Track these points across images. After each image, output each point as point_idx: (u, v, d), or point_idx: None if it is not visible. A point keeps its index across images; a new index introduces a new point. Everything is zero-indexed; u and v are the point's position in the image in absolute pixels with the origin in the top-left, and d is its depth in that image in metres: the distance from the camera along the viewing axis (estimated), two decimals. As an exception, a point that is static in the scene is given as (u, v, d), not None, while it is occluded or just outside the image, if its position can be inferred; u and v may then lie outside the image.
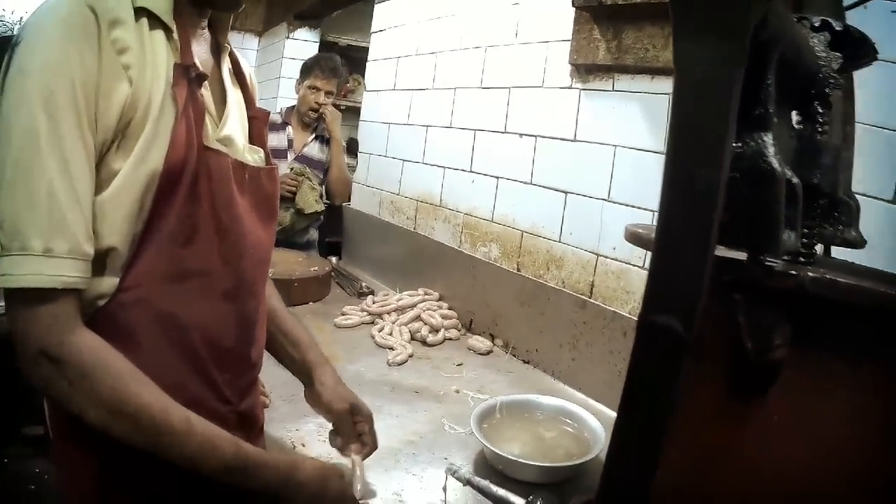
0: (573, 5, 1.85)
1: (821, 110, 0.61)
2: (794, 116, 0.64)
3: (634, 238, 0.59)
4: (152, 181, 0.88)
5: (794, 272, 0.43)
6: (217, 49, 1.09)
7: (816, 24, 0.63)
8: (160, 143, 0.88)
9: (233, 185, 0.99)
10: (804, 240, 0.58)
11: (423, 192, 2.66)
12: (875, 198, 1.25)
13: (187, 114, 0.91)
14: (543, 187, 2.05)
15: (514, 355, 2.08)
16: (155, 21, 0.91)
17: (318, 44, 4.84)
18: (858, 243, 0.79)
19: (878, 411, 0.51)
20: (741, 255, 0.48)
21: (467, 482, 1.11)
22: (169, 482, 0.98)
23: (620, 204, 1.77)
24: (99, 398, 0.83)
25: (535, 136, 2.10)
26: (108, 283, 0.89)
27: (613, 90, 1.83)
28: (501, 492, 1.03)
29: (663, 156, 0.45)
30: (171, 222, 0.90)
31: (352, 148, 3.66)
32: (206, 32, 1.06)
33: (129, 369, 0.86)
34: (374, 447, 1.24)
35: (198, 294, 0.97)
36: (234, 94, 1.10)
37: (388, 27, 3.04)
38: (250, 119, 1.14)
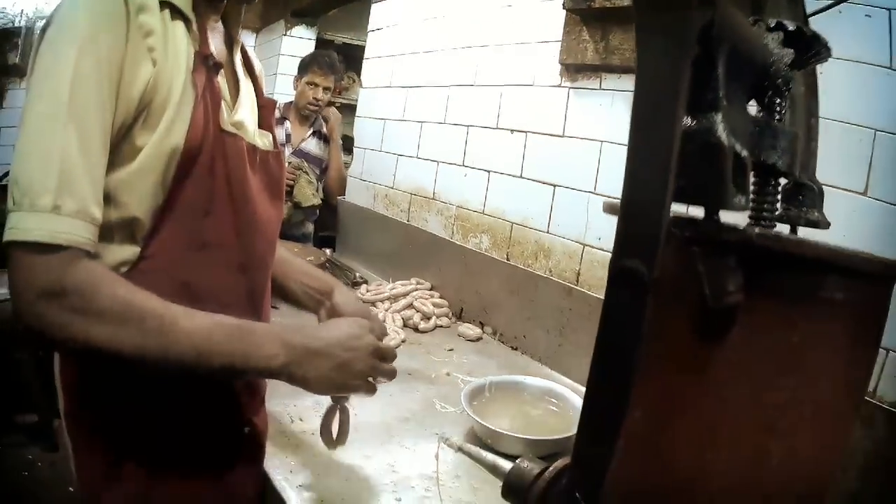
0: (564, 7, 1.92)
1: (776, 100, 0.70)
2: (755, 107, 0.72)
3: (611, 208, 0.67)
4: (173, 158, 0.94)
5: (741, 227, 0.51)
6: (230, 41, 1.16)
7: (771, 25, 0.71)
8: (181, 124, 0.94)
9: (246, 165, 1.05)
10: (764, 205, 0.66)
11: (416, 185, 2.74)
12: (848, 190, 1.32)
13: (205, 99, 0.97)
14: (533, 181, 2.13)
15: (503, 342, 2.16)
16: (176, 13, 0.97)
17: (314, 41, 4.88)
18: (822, 224, 0.85)
19: (823, 354, 0.59)
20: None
21: (459, 449, 1.18)
22: (178, 450, 1.04)
23: (606, 196, 1.85)
24: (101, 311, 0.84)
25: (526, 133, 2.18)
26: (131, 251, 0.95)
27: (601, 89, 1.91)
28: (490, 456, 1.10)
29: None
30: (191, 196, 0.97)
31: (346, 145, 3.73)
32: (220, 25, 1.13)
33: (126, 281, 0.89)
34: None
35: (213, 265, 1.03)
36: (245, 83, 1.17)
37: (384, 26, 3.11)
38: (259, 108, 1.21)
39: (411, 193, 2.76)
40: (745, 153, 0.55)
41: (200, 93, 0.97)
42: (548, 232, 2.06)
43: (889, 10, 1.29)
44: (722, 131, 0.51)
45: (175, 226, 0.97)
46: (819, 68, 0.88)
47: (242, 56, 1.21)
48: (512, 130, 2.24)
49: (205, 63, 0.99)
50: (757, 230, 0.50)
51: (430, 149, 2.68)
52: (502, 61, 2.31)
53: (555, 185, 2.04)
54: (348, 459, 1.30)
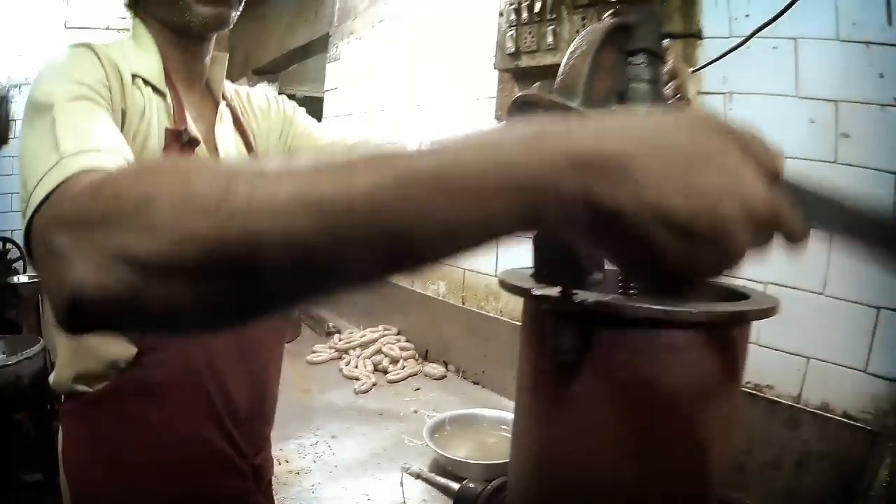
0: (495, 68, 2.11)
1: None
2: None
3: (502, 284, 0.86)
4: None
5: (579, 300, 0.68)
6: (215, 104, 1.09)
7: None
8: None
9: None
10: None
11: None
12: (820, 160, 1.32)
13: None
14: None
15: (465, 378, 2.34)
16: (148, 85, 0.94)
17: (276, 97, 5.04)
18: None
19: (680, 389, 0.67)
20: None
21: (417, 476, 1.38)
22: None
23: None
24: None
25: (471, 186, 2.36)
26: (128, 350, 0.96)
27: (533, 143, 2.10)
28: (443, 480, 1.29)
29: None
30: None
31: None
32: (204, 88, 1.09)
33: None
34: None
35: (214, 352, 1.03)
36: (235, 141, 1.11)
37: (338, 86, 3.31)
38: None
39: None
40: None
41: None
42: (495, 276, 2.22)
43: (794, 39, 1.38)
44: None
45: None
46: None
47: (232, 113, 1.13)
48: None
49: (178, 139, 0.94)
50: (593, 300, 0.67)
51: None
52: (446, 117, 2.49)
53: (499, 233, 2.22)
54: (329, 493, 1.48)
